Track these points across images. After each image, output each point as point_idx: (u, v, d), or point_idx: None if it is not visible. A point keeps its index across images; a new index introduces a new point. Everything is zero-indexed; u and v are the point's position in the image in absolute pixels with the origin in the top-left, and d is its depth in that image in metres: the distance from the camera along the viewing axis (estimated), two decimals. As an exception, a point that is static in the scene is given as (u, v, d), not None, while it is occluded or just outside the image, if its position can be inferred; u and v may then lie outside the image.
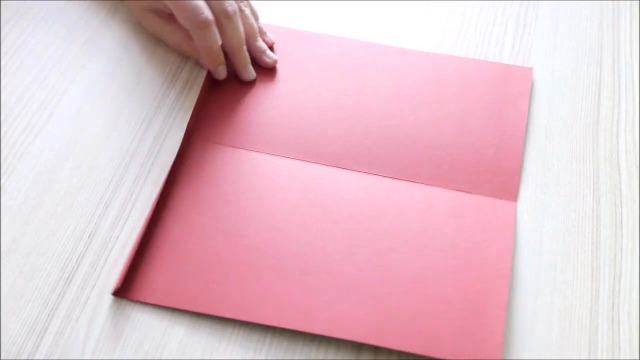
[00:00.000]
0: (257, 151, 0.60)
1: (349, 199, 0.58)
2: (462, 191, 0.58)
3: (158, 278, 0.53)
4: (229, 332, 0.51)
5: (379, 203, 0.57)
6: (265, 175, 0.59)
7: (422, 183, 0.59)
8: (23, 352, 0.50)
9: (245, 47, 0.65)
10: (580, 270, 0.55)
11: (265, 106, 0.63)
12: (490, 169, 0.60)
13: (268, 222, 0.56)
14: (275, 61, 0.66)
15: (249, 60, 0.65)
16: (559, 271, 0.54)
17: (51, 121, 0.63)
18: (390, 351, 0.50)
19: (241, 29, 0.64)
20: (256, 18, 0.69)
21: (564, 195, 0.59)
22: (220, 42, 0.64)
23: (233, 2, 0.64)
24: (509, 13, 0.73)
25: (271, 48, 0.68)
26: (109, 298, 0.52)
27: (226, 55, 0.66)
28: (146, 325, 0.51)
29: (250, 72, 0.65)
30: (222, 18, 0.63)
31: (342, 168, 0.59)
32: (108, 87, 0.65)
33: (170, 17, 0.67)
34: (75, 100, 0.64)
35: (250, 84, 0.65)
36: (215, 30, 0.63)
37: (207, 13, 0.62)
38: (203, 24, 0.62)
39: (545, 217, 0.57)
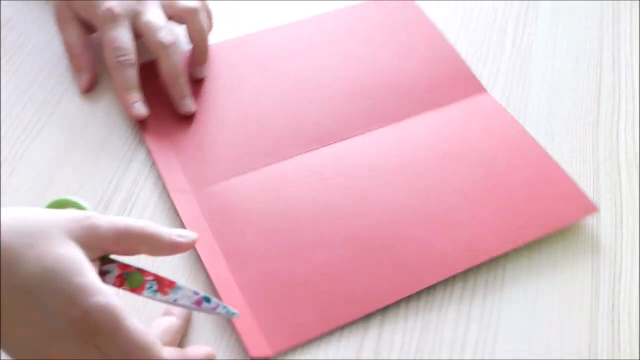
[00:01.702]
0: (244, 173, 0.58)
1: (362, 165, 0.59)
2: (443, 106, 0.63)
3: (278, 322, 0.51)
4: (229, 332, 0.51)
5: (389, 153, 0.59)
6: (269, 188, 0.57)
7: (408, 118, 0.62)
8: (23, 352, 0.50)
9: (182, 79, 0.61)
10: (580, 270, 0.55)
11: (226, 126, 0.61)
12: (445, 79, 0.65)
13: (309, 226, 0.55)
14: (190, 112, 0.62)
15: (186, 92, 0.62)
16: (559, 271, 0.55)
17: (51, 121, 0.63)
18: (390, 350, 0.50)
19: (177, 60, 0.61)
20: (210, 17, 0.66)
21: (564, 195, 0.59)
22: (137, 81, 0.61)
23: (172, 28, 0.61)
24: (509, 13, 0.73)
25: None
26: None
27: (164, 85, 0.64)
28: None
29: (188, 105, 0.62)
30: (158, 49, 0.61)
31: (331, 144, 0.60)
32: (107, 87, 0.65)
33: (87, 28, 0.65)
34: (75, 100, 0.64)
35: (195, 115, 0.62)
36: (134, 72, 0.61)
37: (131, 56, 0.60)
38: (124, 64, 0.60)
39: (545, 217, 0.57)
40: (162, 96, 0.63)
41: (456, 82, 0.65)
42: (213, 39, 0.69)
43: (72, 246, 0.43)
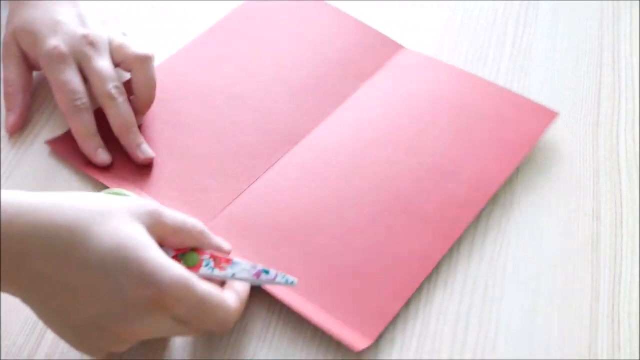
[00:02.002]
0: (237, 196, 0.57)
1: (345, 145, 0.60)
2: (374, 73, 0.66)
3: (358, 312, 0.51)
4: (229, 332, 0.51)
5: (359, 128, 0.61)
6: (272, 199, 0.57)
7: (349, 97, 0.64)
8: (23, 352, 0.50)
9: (134, 128, 0.59)
10: (580, 270, 0.55)
11: (194, 158, 0.60)
12: (364, 50, 0.67)
13: (329, 217, 0.56)
14: (150, 158, 0.59)
15: (140, 139, 0.59)
16: (559, 271, 0.55)
17: (51, 120, 0.63)
18: (390, 350, 0.50)
19: (127, 111, 0.59)
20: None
21: (564, 195, 0.59)
22: (94, 126, 0.59)
23: (116, 82, 0.59)
24: (509, 13, 0.73)
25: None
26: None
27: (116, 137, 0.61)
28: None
29: (146, 151, 0.59)
30: (106, 100, 0.58)
31: (303, 138, 0.61)
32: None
33: (32, 66, 0.63)
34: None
35: (155, 158, 0.60)
36: (90, 115, 0.59)
37: (86, 100, 0.59)
38: (80, 107, 0.58)
39: (545, 217, 0.57)
40: (116, 143, 0.61)
41: (375, 49, 0.67)
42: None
43: (140, 226, 0.45)
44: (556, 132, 0.63)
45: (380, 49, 0.67)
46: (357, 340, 0.49)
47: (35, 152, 0.60)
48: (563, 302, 0.53)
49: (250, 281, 0.47)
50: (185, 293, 0.43)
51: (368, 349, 0.50)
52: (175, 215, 0.47)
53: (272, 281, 0.47)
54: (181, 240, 0.47)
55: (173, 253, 0.48)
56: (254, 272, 0.47)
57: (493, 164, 0.59)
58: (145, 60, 0.60)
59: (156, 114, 0.62)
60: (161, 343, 0.50)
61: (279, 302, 0.52)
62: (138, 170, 0.59)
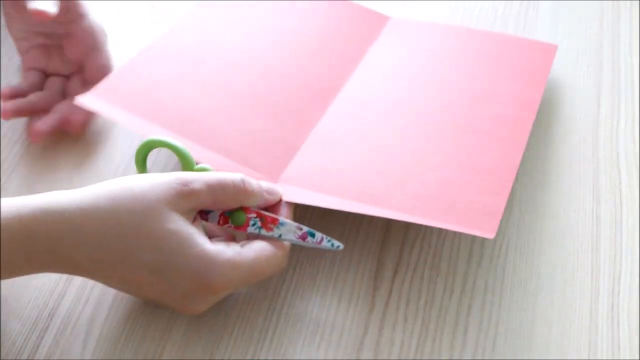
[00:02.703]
0: (299, 149, 0.58)
1: (380, 95, 0.62)
2: (369, 47, 0.68)
3: (466, 212, 0.53)
4: (229, 332, 0.51)
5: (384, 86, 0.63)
6: (332, 140, 0.58)
7: (353, 72, 0.65)
8: (23, 352, 0.50)
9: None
10: (580, 270, 0.55)
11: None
12: (355, 26, 0.68)
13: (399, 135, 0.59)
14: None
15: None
16: (559, 271, 0.55)
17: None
18: (390, 350, 0.50)
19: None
20: None
21: (564, 195, 0.59)
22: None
23: None
24: (509, 13, 0.73)
25: None
26: (109, 298, 0.52)
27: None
28: (146, 325, 0.51)
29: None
30: None
31: (338, 93, 0.62)
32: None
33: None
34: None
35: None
36: None
37: None
38: None
39: (545, 217, 0.57)
40: None
41: (363, 24, 0.69)
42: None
43: (177, 219, 0.46)
44: (556, 132, 0.63)
45: (367, 25, 0.69)
46: (485, 229, 0.51)
47: (35, 152, 0.60)
48: (563, 302, 0.53)
49: (296, 242, 0.49)
50: (234, 273, 0.46)
51: (368, 349, 0.50)
52: (209, 184, 0.48)
53: (319, 244, 0.48)
54: (223, 205, 0.48)
55: (219, 213, 0.49)
56: (301, 233, 0.48)
57: (519, 93, 0.61)
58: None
59: (186, 75, 0.61)
60: (161, 340, 0.50)
61: (280, 302, 0.52)
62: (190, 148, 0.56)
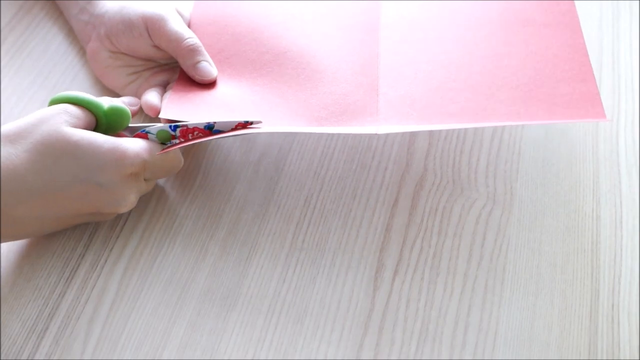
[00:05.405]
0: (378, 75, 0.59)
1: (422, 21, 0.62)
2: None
3: (551, 106, 0.54)
4: (229, 332, 0.51)
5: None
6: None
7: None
8: (23, 352, 0.50)
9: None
10: (580, 270, 0.55)
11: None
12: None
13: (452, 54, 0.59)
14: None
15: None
16: (559, 271, 0.55)
17: (51, 121, 0.63)
18: (390, 350, 0.50)
19: None
20: None
21: (564, 195, 0.59)
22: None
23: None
24: (509, 13, 0.73)
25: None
26: (109, 298, 0.52)
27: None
28: (146, 325, 0.51)
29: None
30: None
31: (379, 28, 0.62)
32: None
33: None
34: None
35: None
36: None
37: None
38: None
39: (545, 217, 0.57)
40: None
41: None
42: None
43: (77, 131, 0.51)
44: (556, 132, 0.63)
45: None
46: (595, 114, 0.53)
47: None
48: (563, 302, 0.53)
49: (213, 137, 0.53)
50: (142, 143, 0.53)
51: (367, 349, 0.50)
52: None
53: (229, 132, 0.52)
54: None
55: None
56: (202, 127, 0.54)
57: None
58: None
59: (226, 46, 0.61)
60: (161, 341, 0.50)
61: (280, 302, 0.52)
62: (271, 109, 0.57)
